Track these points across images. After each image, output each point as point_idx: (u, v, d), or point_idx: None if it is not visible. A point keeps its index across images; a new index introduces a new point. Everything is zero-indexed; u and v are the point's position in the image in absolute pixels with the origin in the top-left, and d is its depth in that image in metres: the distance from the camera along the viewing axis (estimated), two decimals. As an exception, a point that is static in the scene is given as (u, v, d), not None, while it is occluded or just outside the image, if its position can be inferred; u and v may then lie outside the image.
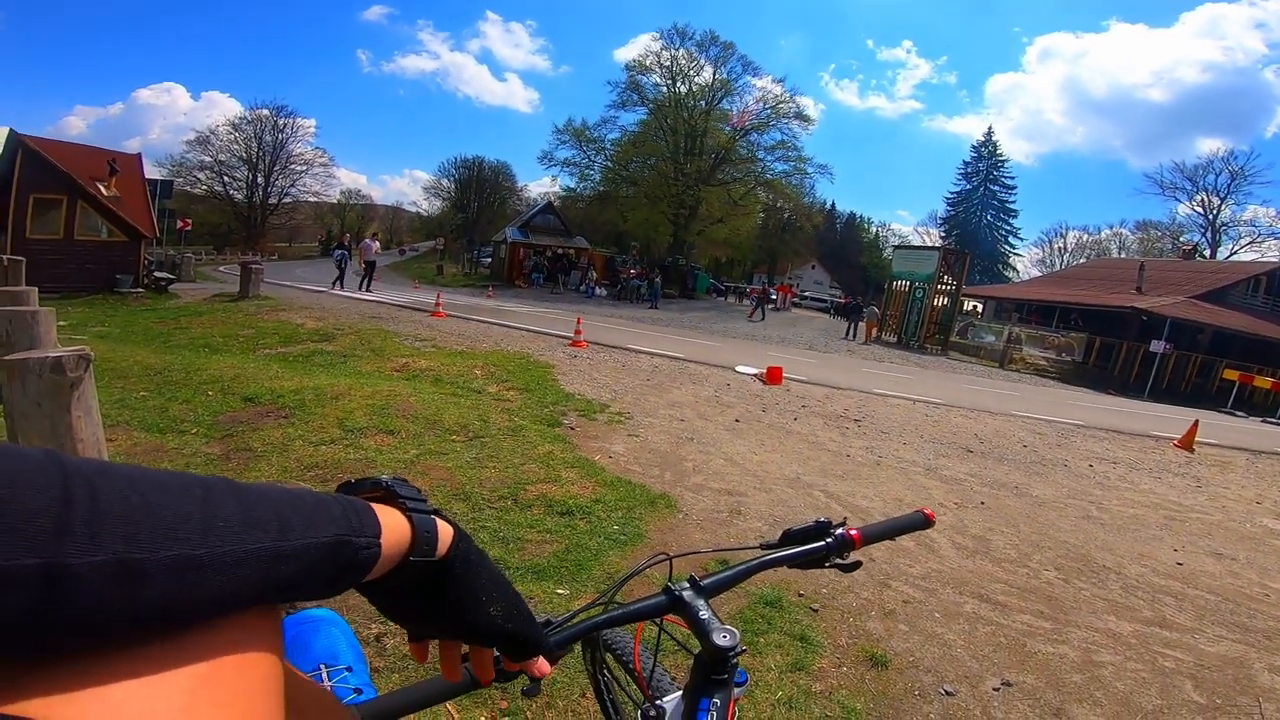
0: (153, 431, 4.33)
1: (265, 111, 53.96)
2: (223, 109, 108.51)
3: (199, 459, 3.86)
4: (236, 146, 52.99)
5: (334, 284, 18.01)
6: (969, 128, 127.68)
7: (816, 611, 2.96)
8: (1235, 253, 46.20)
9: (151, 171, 23.68)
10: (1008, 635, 3.01)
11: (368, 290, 17.45)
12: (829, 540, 0.90)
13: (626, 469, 4.59)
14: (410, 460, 4.01)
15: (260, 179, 54.14)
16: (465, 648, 0.60)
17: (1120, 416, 12.78)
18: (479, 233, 54.38)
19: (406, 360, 7.55)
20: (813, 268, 67.03)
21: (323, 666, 0.90)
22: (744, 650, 0.73)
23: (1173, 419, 12.57)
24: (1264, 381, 17.39)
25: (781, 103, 36.24)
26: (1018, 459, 7.14)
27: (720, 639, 0.72)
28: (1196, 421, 10.14)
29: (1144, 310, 22.21)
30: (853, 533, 0.91)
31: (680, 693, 0.85)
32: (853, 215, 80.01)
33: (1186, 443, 9.45)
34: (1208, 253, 45.57)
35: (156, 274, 16.12)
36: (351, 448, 4.15)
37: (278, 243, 56.77)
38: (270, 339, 8.39)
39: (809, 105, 39.62)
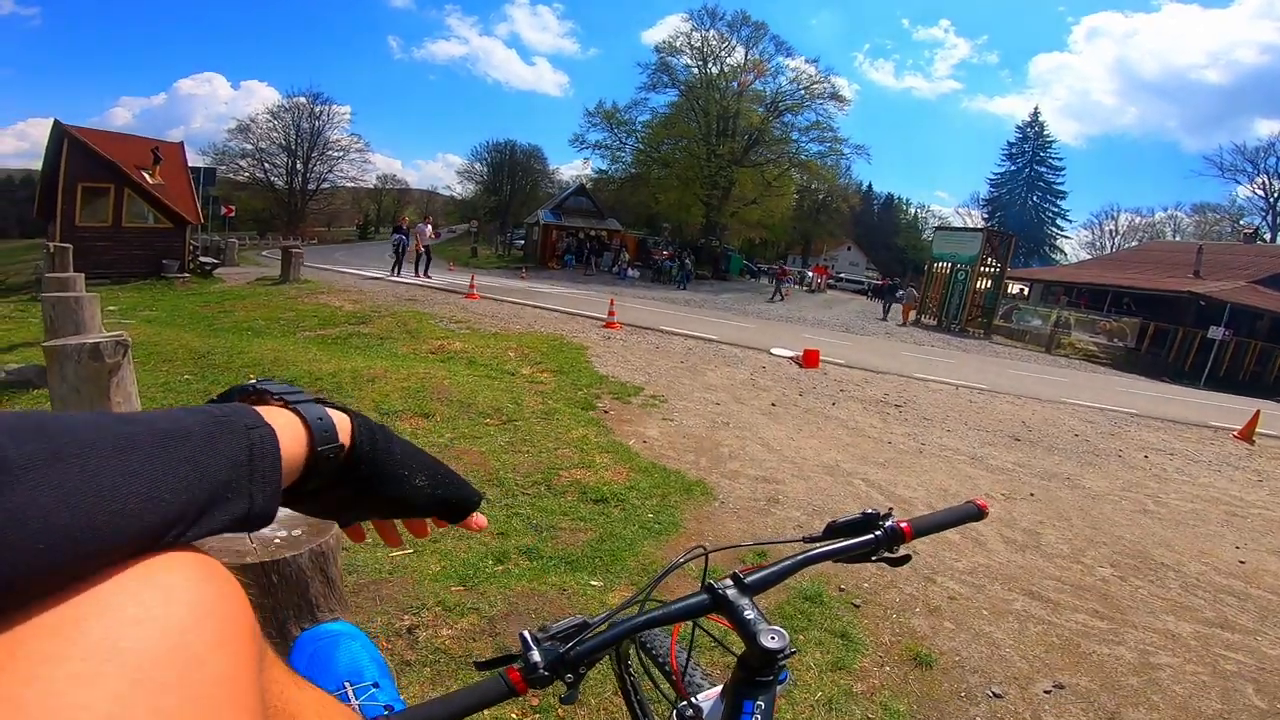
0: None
1: (302, 99, 55.06)
2: (261, 97, 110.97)
3: None
4: (276, 134, 54.21)
5: (394, 269, 17.21)
6: (1012, 108, 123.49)
7: (858, 607, 2.87)
8: None
9: (195, 160, 24.36)
10: (1060, 635, 2.89)
11: (426, 275, 16.85)
12: (877, 533, 0.85)
13: (661, 454, 4.52)
14: (445, 444, 4.01)
15: (299, 165, 55.37)
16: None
17: (1176, 405, 12.27)
18: (512, 215, 54.78)
19: (441, 342, 7.60)
20: (849, 249, 65.85)
21: (347, 684, 0.86)
22: (794, 652, 0.68)
23: (1232, 409, 12.06)
24: (1333, 369, 16.51)
25: (815, 83, 35.58)
26: (1069, 449, 6.87)
27: (768, 641, 0.68)
28: (1258, 412, 9.65)
29: (1201, 295, 21.34)
30: (903, 525, 0.86)
31: (718, 690, 0.83)
32: (890, 196, 78.21)
33: (1247, 434, 9.00)
34: (1268, 236, 43.62)
35: (201, 259, 16.59)
36: (387, 430, 4.17)
37: (317, 227, 58.20)
38: (310, 321, 8.54)
39: (844, 86, 38.66)
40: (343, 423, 0.47)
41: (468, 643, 2.22)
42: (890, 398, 8.06)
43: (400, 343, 7.62)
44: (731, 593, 0.73)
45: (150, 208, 16.20)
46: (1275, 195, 46.73)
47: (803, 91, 35.57)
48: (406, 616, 2.31)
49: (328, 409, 0.46)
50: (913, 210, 77.05)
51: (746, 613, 0.72)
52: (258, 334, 7.74)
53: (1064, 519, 4.51)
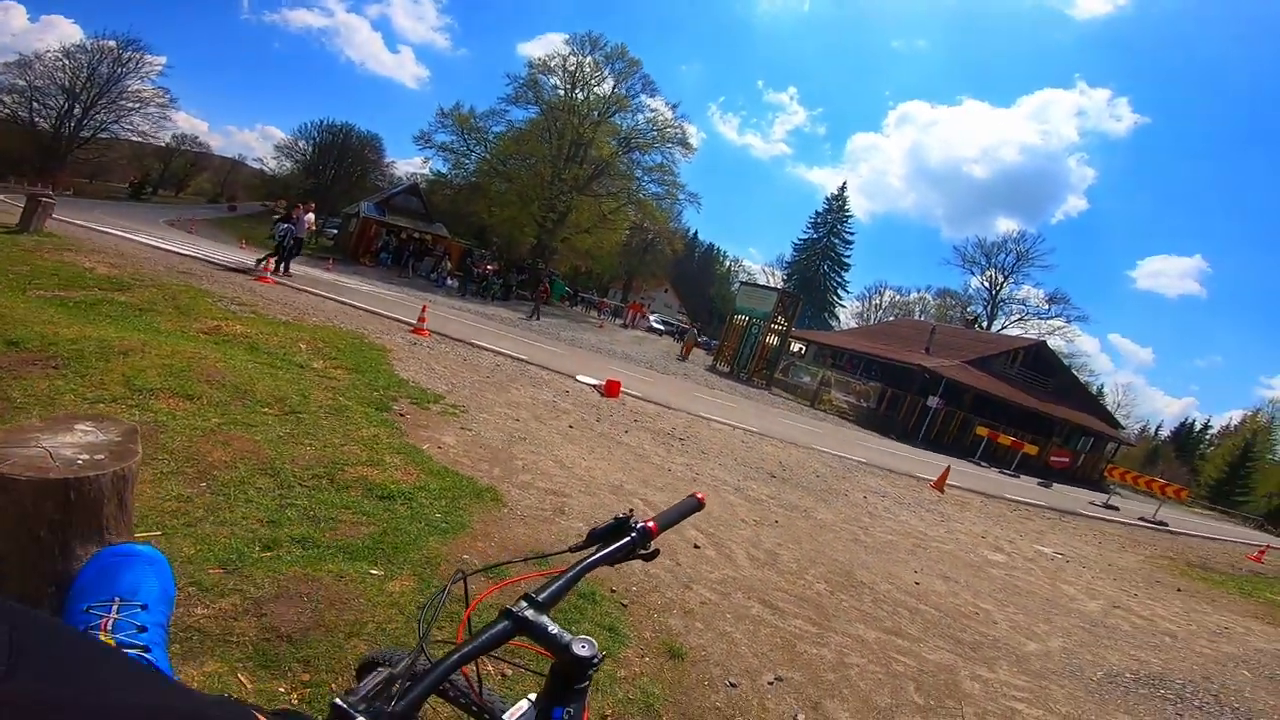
0: None
1: (110, 42, 46.71)
2: (61, 33, 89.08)
3: None
4: (61, 74, 45.18)
5: (278, 266, 14.29)
6: (824, 179, 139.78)
7: (626, 606, 3.20)
8: (1006, 326, 55.29)
9: None
10: (783, 636, 3.45)
11: (286, 271, 14.41)
12: (633, 534, 0.95)
13: (455, 460, 4.57)
14: (211, 429, 3.67)
15: (78, 109, 46.39)
16: None
17: (896, 459, 14.88)
18: (330, 202, 49.95)
19: (218, 323, 6.80)
20: (666, 290, 69.62)
21: (117, 599, 0.88)
22: (605, 656, 0.77)
23: (934, 464, 14.82)
24: (1005, 439, 21.18)
25: (669, 126, 37.37)
26: (811, 486, 8.11)
27: (580, 650, 0.72)
28: (948, 468, 12.19)
29: (927, 369, 25.90)
30: (650, 524, 0.98)
31: (524, 704, 0.86)
32: (711, 246, 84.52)
33: (939, 484, 11.32)
34: (985, 323, 53.93)
35: None
36: (138, 408, 3.71)
37: (77, 178, 48.06)
38: (48, 280, 7.10)
39: (693, 133, 41.13)
40: None
41: (228, 622, 2.15)
42: (677, 431, 8.84)
43: (166, 317, 6.67)
44: (530, 613, 0.75)
45: None
46: (997, 288, 57.53)
47: (656, 132, 37.10)
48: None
49: None
50: (728, 263, 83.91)
51: (550, 628, 0.74)
52: None
53: (797, 542, 5.35)
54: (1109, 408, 42.06)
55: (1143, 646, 5.37)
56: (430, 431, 5.11)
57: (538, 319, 22.92)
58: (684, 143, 37.79)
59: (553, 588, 0.81)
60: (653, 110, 37.69)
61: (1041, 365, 31.89)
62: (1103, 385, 62.83)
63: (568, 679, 0.73)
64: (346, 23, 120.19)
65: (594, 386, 10.25)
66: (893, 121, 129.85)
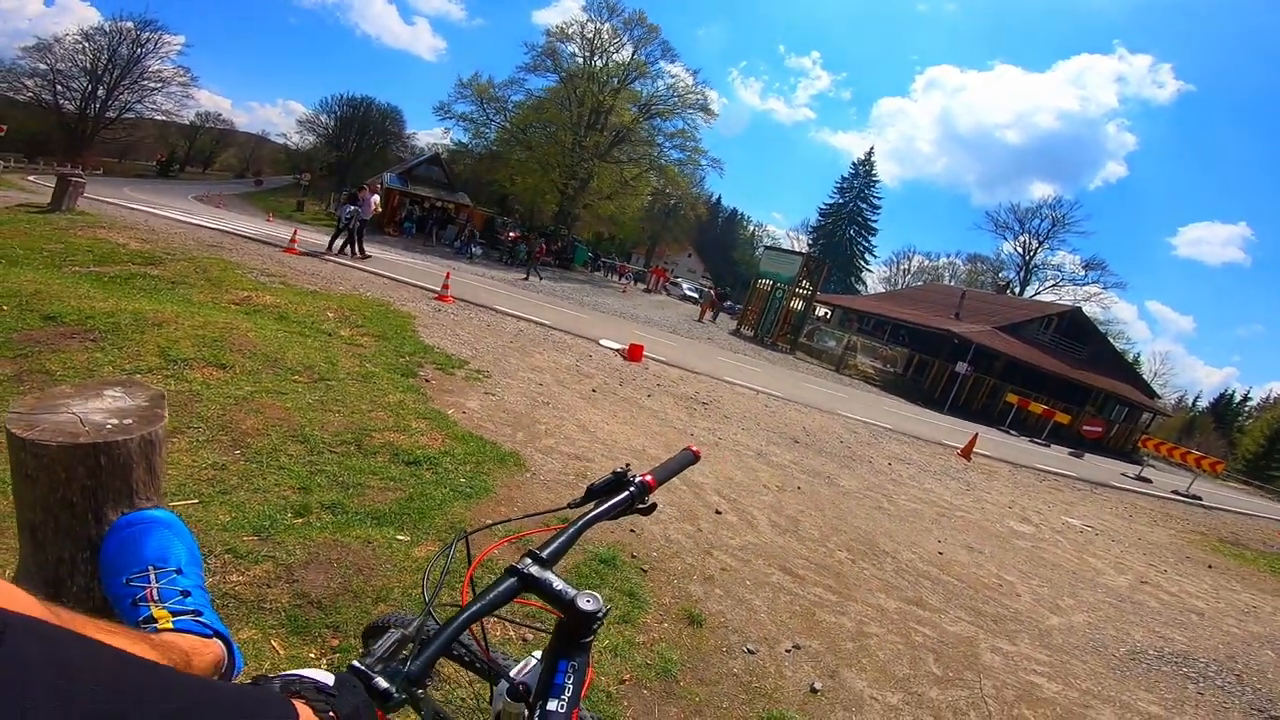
0: (-78, 340, 3.70)
1: (128, 24, 47.28)
2: (78, 16, 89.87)
3: None
4: (82, 57, 45.91)
5: (346, 247, 14.00)
6: (850, 144, 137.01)
7: (646, 572, 3.25)
8: (1039, 292, 53.64)
9: None
10: (802, 605, 3.47)
11: (360, 253, 14.04)
12: (631, 489, 0.96)
13: (479, 425, 4.64)
14: (243, 397, 3.78)
15: (101, 91, 47.17)
16: None
17: (922, 425, 14.71)
18: (354, 174, 50.23)
19: (249, 294, 6.94)
20: (689, 255, 69.06)
21: (151, 568, 0.89)
22: (609, 609, 0.78)
23: (962, 431, 14.66)
24: (1037, 407, 20.77)
25: (690, 92, 36.76)
26: (834, 452, 8.07)
27: (585, 604, 0.73)
28: (976, 435, 12.01)
29: (956, 334, 25.43)
30: (647, 478, 0.99)
31: (532, 660, 0.88)
32: (735, 211, 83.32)
33: (966, 452, 11.17)
34: (1018, 289, 52.42)
35: None
36: (173, 379, 3.82)
37: (106, 158, 49.24)
38: (82, 257, 7.28)
39: (714, 99, 40.17)
40: None
41: (262, 589, 2.23)
42: (700, 396, 8.85)
43: (198, 289, 6.82)
44: (535, 570, 0.76)
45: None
46: (1031, 254, 55.85)
47: (676, 98, 36.59)
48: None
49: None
50: (751, 228, 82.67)
51: (555, 584, 0.76)
52: (13, 264, 6.47)
53: (819, 510, 5.34)
54: (1145, 377, 40.93)
55: (1169, 624, 5.27)
56: (455, 397, 5.19)
57: (539, 279, 22.41)
58: (705, 108, 37.19)
59: (555, 544, 0.82)
60: (673, 76, 37.10)
61: (1076, 332, 31.03)
62: (1139, 354, 60.96)
63: (573, 633, 0.74)
64: None
65: (617, 351, 10.27)
66: (920, 86, 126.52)
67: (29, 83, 44.56)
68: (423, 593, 0.81)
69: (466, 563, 0.88)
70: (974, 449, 11.30)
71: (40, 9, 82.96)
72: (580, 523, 0.88)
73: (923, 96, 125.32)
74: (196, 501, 2.64)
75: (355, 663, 0.63)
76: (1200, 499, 15.35)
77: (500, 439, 4.48)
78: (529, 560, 0.78)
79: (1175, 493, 15.55)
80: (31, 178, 24.58)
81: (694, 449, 1.14)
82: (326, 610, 2.20)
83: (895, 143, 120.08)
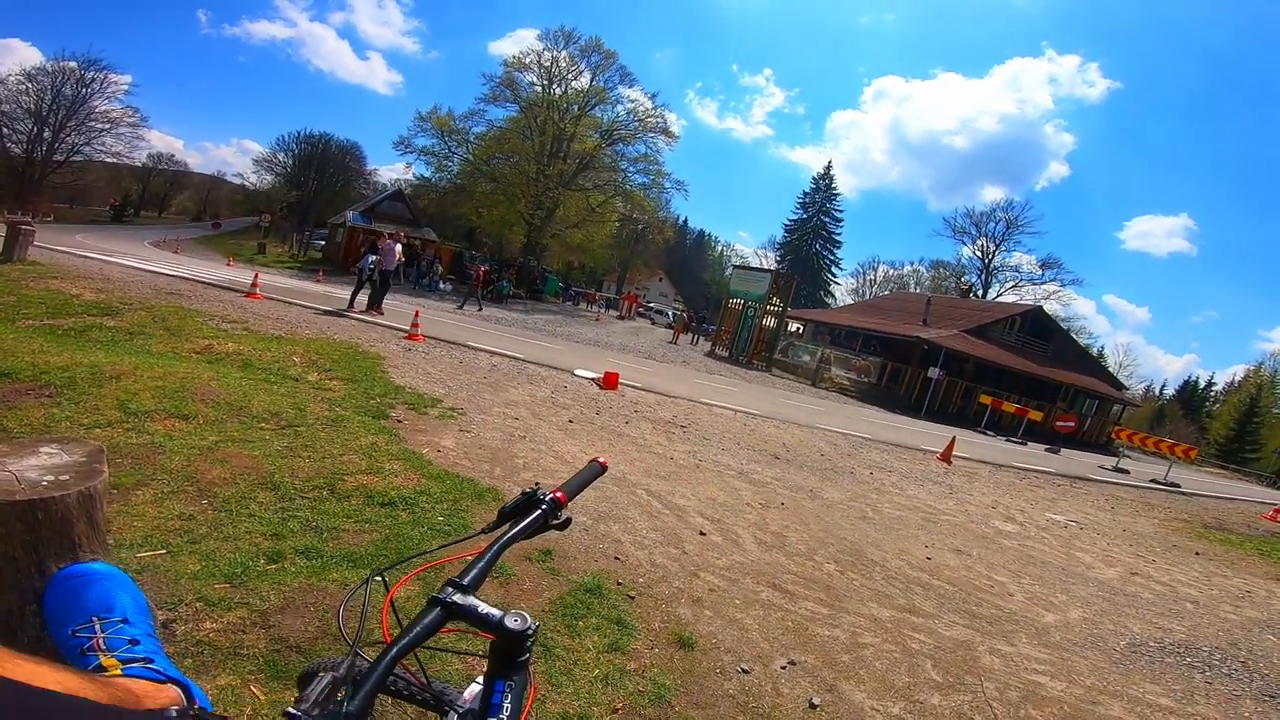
0: None
1: (72, 64, 46.52)
2: (19, 57, 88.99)
3: None
4: (26, 98, 45.15)
5: (373, 302, 12.85)
6: (808, 159, 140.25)
7: (633, 599, 3.19)
8: (1001, 294, 55.17)
9: None
10: (794, 620, 3.43)
11: (376, 309, 12.81)
12: (544, 507, 0.97)
13: (455, 463, 4.55)
14: (208, 447, 3.65)
15: (47, 133, 46.32)
16: None
17: (901, 432, 14.88)
18: (315, 213, 49.85)
19: (210, 342, 6.78)
20: (661, 279, 69.75)
21: (96, 619, 0.87)
22: (538, 626, 0.77)
23: (940, 436, 14.81)
24: (1010, 406, 21.20)
25: (650, 116, 37.24)
26: (815, 466, 8.10)
27: (513, 623, 0.74)
28: (954, 438, 12.17)
29: (926, 340, 25.91)
30: (558, 495, 1.01)
31: (476, 687, 0.88)
32: (702, 233, 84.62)
33: (946, 456, 11.31)
34: (980, 292, 53.85)
35: None
36: (134, 432, 3.69)
37: (56, 204, 48.08)
38: (36, 309, 7.07)
39: (674, 121, 40.74)
40: None
41: (237, 635, 2.15)
42: (678, 419, 8.83)
43: (156, 340, 6.64)
44: (458, 597, 0.76)
45: None
46: (990, 257, 57.42)
47: (637, 123, 36.98)
48: (161, 612, 2.16)
49: None
50: (720, 248, 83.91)
51: (480, 608, 0.76)
52: None
53: (804, 524, 5.33)
54: (1111, 369, 42.16)
55: (1165, 614, 5.29)
56: (429, 436, 5.10)
57: (478, 309, 21.34)
58: (666, 131, 37.71)
59: (475, 569, 0.82)
60: (632, 101, 37.65)
61: (1040, 330, 31.88)
62: (1103, 347, 62.74)
63: (507, 654, 0.75)
64: (311, 32, 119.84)
65: (592, 380, 10.23)
66: (870, 98, 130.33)
67: None
68: (339, 633, 0.81)
69: (384, 600, 0.87)
70: (953, 452, 11.44)
71: None
72: (496, 545, 0.89)
73: (872, 108, 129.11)
74: (164, 552, 2.54)
75: (290, 709, 0.62)
76: (1179, 486, 15.67)
77: (477, 475, 4.41)
78: (450, 589, 0.78)
79: (1154, 481, 15.85)
80: None
81: (602, 460, 1.15)
82: (306, 654, 2.14)
83: (850, 155, 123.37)
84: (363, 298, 13.12)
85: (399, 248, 13.32)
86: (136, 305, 8.06)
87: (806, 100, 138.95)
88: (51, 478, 0.87)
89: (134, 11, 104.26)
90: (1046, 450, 19.42)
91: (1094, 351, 48.38)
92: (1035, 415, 20.66)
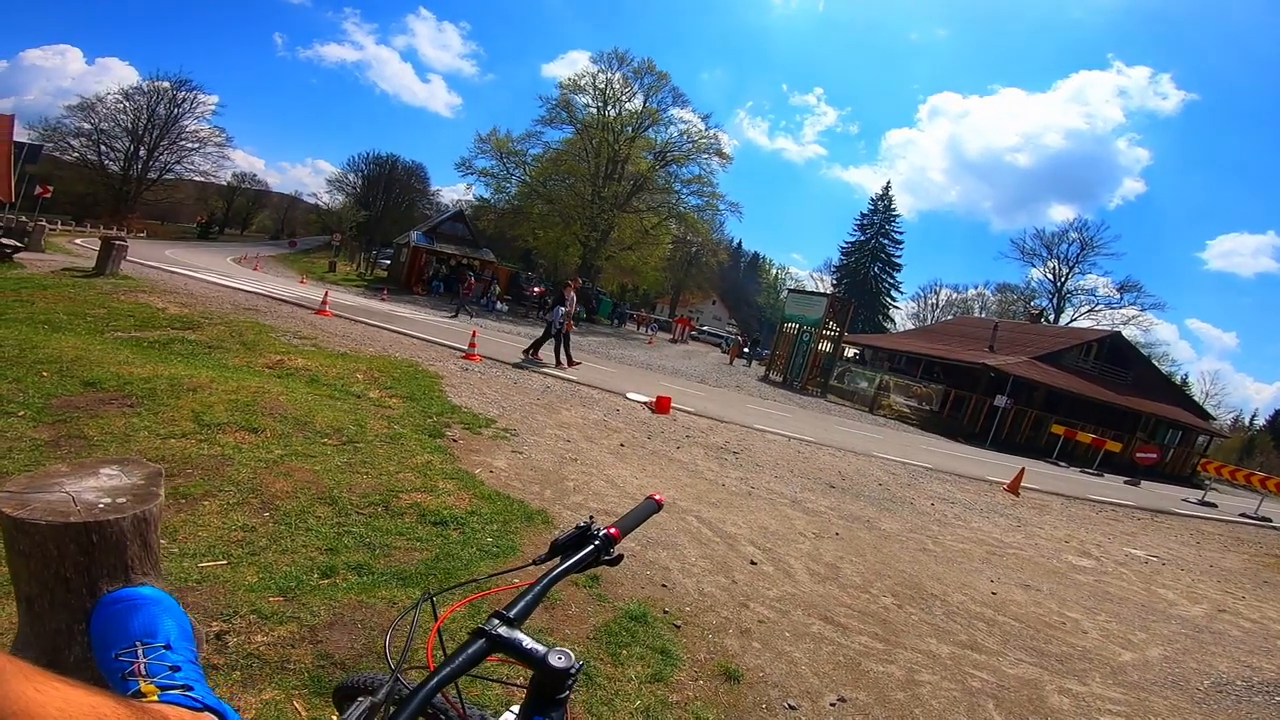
0: (-32, 411, 3.84)
1: (165, 84, 50.24)
2: (117, 76, 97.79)
3: (24, 444, 3.46)
4: (124, 117, 48.68)
5: (558, 353, 12.37)
6: (863, 179, 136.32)
7: (679, 628, 3.11)
8: (1075, 319, 52.08)
9: (21, 135, 21.10)
10: (846, 655, 3.28)
11: (569, 363, 12.37)
12: (596, 542, 0.96)
13: (506, 484, 4.59)
14: (273, 460, 3.80)
15: (143, 151, 49.83)
16: None
17: (964, 462, 14.23)
18: (381, 232, 52.13)
19: (281, 357, 7.11)
20: (714, 303, 69.39)
21: (139, 644, 0.89)
22: (581, 666, 0.75)
23: (1007, 466, 14.12)
24: (1085, 436, 19.98)
25: (703, 137, 37.40)
26: (873, 496, 7.80)
27: (557, 661, 0.73)
28: (1023, 469, 11.54)
29: (992, 367, 24.83)
30: (612, 530, 1.00)
31: (510, 715, 0.87)
32: (756, 255, 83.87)
33: (1014, 487, 10.72)
34: (1052, 317, 50.86)
35: (1, 240, 14.04)
36: (206, 443, 3.88)
37: (149, 220, 51.40)
38: (124, 321, 7.60)
39: (726, 142, 40.82)
40: None
41: (285, 649, 2.19)
42: (730, 445, 8.68)
43: (233, 354, 7.02)
44: (503, 630, 0.76)
45: (-42, 179, 13.52)
46: (1062, 280, 54.32)
47: (690, 144, 37.19)
48: (215, 623, 2.23)
49: None
50: (774, 271, 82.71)
51: (525, 643, 0.75)
52: (57, 329, 6.76)
53: (860, 555, 5.13)
54: (1197, 398, 39.31)
55: (1255, 651, 4.94)
56: (482, 456, 5.17)
57: (470, 316, 20.99)
58: (719, 152, 37.79)
59: (522, 603, 0.82)
60: (685, 122, 37.89)
61: (1118, 357, 30.14)
62: (1187, 374, 58.52)
63: (547, 691, 0.74)
64: (377, 55, 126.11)
65: (644, 403, 10.20)
66: (925, 115, 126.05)
67: (74, 142, 46.98)
68: (386, 656, 0.81)
69: (432, 623, 0.87)
70: (1021, 484, 10.84)
71: (82, 68, 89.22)
72: (546, 580, 0.88)
73: (929, 125, 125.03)
74: (225, 563, 2.64)
75: None
76: (1270, 520, 14.48)
77: (528, 497, 4.43)
78: (496, 621, 0.77)
79: (1244, 516, 14.69)
80: (79, 241, 26.06)
81: (658, 498, 1.13)
82: (350, 671, 2.15)
83: (907, 174, 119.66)
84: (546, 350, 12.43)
85: (573, 297, 12.78)
86: (216, 320, 8.57)
87: (859, 119, 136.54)
88: (108, 500, 0.90)
89: (218, 34, 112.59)
90: (1125, 483, 18.20)
91: (1177, 379, 45.10)
92: (1113, 446, 19.39)
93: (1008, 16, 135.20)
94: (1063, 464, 20.37)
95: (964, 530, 7.15)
